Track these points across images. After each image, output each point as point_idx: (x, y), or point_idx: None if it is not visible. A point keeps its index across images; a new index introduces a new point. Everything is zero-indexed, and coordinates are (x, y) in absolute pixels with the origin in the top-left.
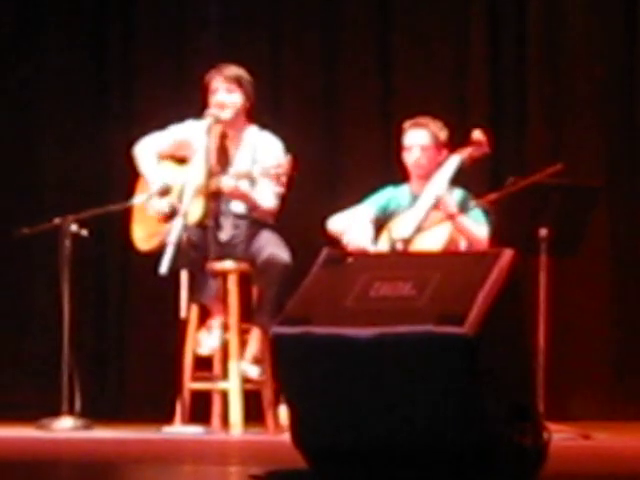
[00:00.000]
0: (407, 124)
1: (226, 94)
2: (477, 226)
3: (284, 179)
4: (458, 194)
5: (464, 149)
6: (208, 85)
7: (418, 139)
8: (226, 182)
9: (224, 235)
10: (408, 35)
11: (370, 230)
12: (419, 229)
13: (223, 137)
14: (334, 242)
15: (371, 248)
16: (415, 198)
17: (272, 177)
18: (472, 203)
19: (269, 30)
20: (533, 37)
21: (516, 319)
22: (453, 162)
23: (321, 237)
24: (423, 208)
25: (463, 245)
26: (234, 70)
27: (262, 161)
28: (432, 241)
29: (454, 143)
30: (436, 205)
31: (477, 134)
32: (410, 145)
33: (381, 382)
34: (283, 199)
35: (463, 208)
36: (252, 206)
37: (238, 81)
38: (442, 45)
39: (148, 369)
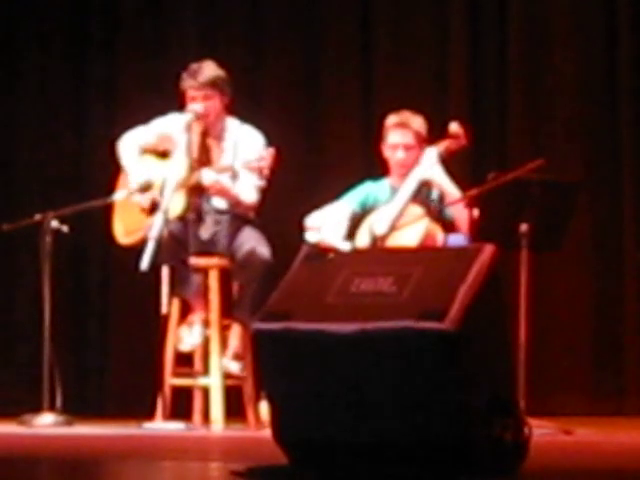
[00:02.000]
0: (390, 123)
1: (203, 102)
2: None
3: (266, 172)
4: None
5: (441, 142)
6: (184, 92)
7: (402, 139)
8: (206, 176)
9: (206, 232)
10: (389, 28)
11: (344, 228)
12: (395, 226)
13: (204, 135)
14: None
15: (343, 246)
16: (394, 192)
17: (254, 170)
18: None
19: (250, 25)
20: (514, 31)
21: (497, 314)
22: (431, 155)
23: (302, 233)
24: (399, 205)
25: (440, 239)
26: (207, 73)
27: (244, 155)
28: (408, 237)
29: (433, 136)
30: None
31: (454, 127)
32: (394, 144)
33: (362, 377)
34: (264, 192)
35: (441, 202)
36: (233, 202)
37: (213, 85)
38: (423, 38)
39: (129, 365)
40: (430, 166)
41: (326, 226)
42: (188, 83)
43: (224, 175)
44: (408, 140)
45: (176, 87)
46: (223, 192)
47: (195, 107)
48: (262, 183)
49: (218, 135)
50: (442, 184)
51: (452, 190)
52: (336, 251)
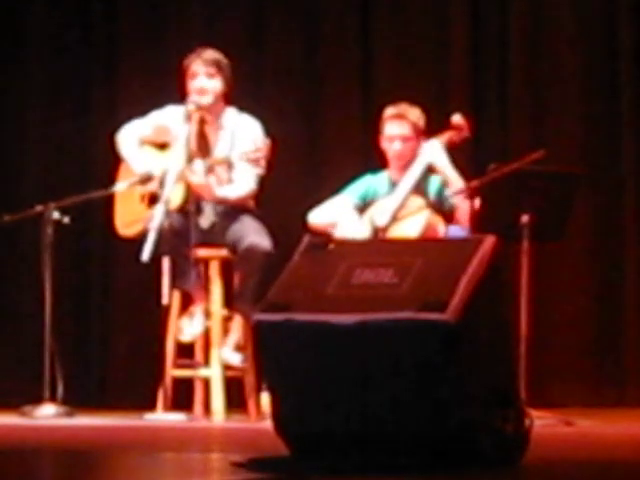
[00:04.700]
0: (387, 114)
1: (206, 79)
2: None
3: (263, 163)
4: (437, 180)
5: (444, 133)
6: (187, 69)
7: (399, 130)
8: (194, 176)
9: (205, 222)
10: (389, 19)
11: (361, 222)
12: (396, 217)
13: (202, 123)
14: (320, 235)
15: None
16: (394, 185)
17: (251, 161)
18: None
19: (250, 13)
20: (516, 22)
21: (498, 306)
22: (435, 149)
23: (302, 223)
24: (400, 196)
25: (441, 231)
26: (213, 54)
27: (241, 144)
28: (409, 228)
29: (435, 128)
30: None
31: (457, 118)
32: (391, 136)
33: (363, 369)
34: (263, 183)
35: (441, 195)
36: (222, 202)
37: (218, 65)
38: (424, 29)
39: (130, 356)
40: (435, 152)
41: (344, 222)
42: (193, 59)
43: (220, 167)
44: (405, 132)
45: (177, 76)
46: (210, 196)
47: (196, 98)
48: (260, 172)
49: (216, 124)
50: (446, 171)
51: (456, 179)
52: (337, 242)
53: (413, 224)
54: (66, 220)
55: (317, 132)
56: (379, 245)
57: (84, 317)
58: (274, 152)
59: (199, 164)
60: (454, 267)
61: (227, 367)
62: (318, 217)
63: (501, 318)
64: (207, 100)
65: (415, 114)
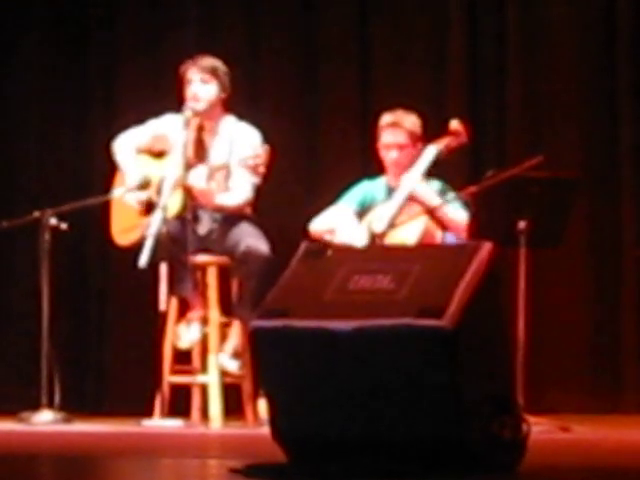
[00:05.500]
0: (383, 123)
1: (201, 85)
2: (456, 210)
3: (262, 169)
4: (436, 185)
5: (441, 139)
6: (183, 76)
7: (395, 139)
8: (196, 182)
9: (202, 228)
10: (387, 25)
11: (361, 229)
12: (393, 223)
13: (200, 129)
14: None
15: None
16: (391, 191)
17: (249, 167)
18: (451, 195)
19: (248, 20)
20: (513, 28)
21: (495, 312)
22: (430, 153)
23: (300, 230)
24: (398, 202)
25: (439, 237)
26: (209, 61)
27: (240, 152)
28: (406, 234)
29: (432, 134)
30: (413, 199)
31: (454, 124)
32: (387, 144)
33: (360, 375)
34: (259, 190)
35: (442, 199)
36: (218, 209)
37: (213, 72)
38: (421, 36)
39: (128, 362)
40: (413, 184)
41: (344, 229)
42: (188, 66)
43: (218, 174)
44: (401, 140)
45: (176, 84)
46: (209, 202)
47: (192, 104)
48: (257, 180)
49: (214, 131)
50: (428, 201)
51: (434, 199)
52: (335, 248)
53: (411, 230)
54: (63, 226)
55: (315, 139)
56: (377, 251)
57: (81, 323)
58: (273, 159)
59: (202, 170)
60: (451, 273)
61: (225, 373)
62: (319, 225)
63: (498, 324)
64: (200, 106)
65: (411, 121)
